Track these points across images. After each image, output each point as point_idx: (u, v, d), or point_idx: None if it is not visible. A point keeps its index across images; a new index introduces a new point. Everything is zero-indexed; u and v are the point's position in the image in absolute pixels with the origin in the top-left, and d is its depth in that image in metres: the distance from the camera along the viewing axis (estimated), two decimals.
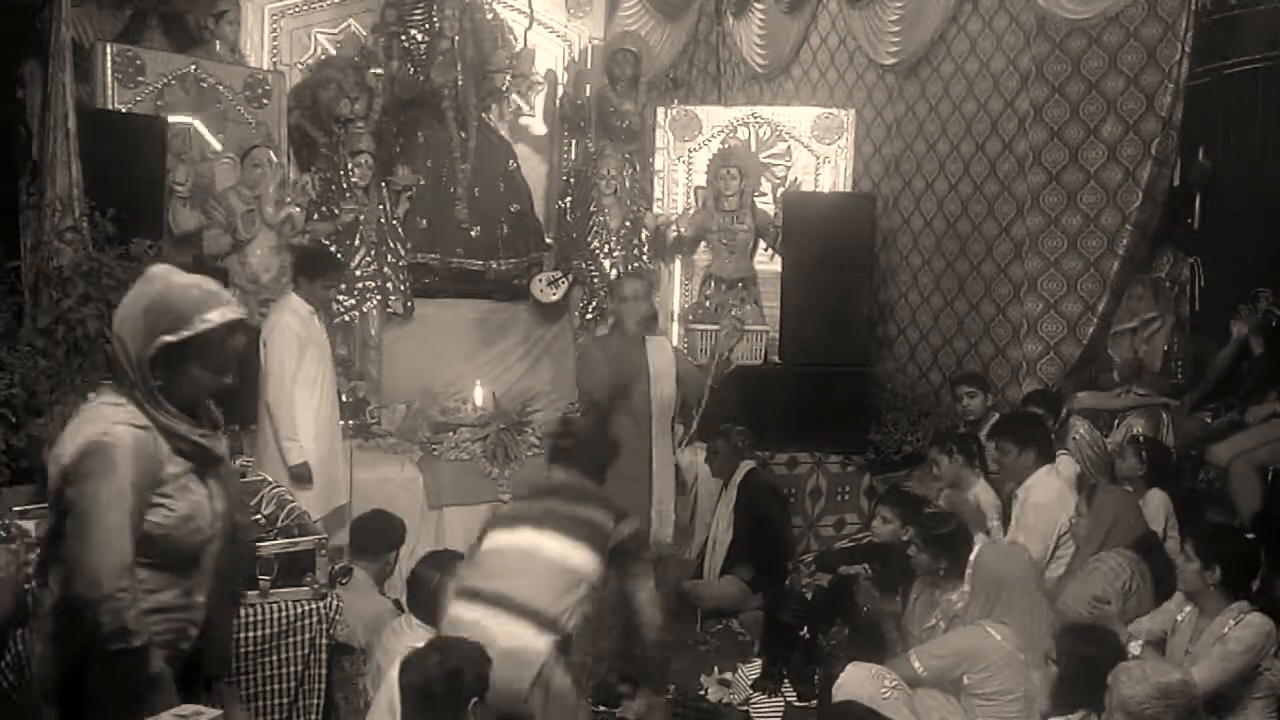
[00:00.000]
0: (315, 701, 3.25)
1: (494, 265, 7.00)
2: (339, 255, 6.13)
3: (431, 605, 3.51)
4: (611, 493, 3.49)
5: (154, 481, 2.26)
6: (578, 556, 3.13)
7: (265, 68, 6.91)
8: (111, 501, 2.18)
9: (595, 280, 7.05)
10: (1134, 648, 3.62)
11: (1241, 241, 5.86)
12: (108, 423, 2.23)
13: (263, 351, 4.93)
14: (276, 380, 4.85)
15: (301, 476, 4.85)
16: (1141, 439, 5.16)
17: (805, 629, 4.39)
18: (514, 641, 2.97)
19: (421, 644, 3.15)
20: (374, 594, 4.12)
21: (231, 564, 2.54)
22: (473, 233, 6.94)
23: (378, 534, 4.24)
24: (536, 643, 2.99)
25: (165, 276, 2.30)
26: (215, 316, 2.25)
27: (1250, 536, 4.05)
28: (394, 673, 3.10)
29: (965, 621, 3.82)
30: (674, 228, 6.98)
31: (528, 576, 3.09)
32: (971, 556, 3.85)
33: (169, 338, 2.23)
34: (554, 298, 7.05)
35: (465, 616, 3.07)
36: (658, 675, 3.33)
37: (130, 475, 2.20)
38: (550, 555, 3.12)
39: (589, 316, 6.99)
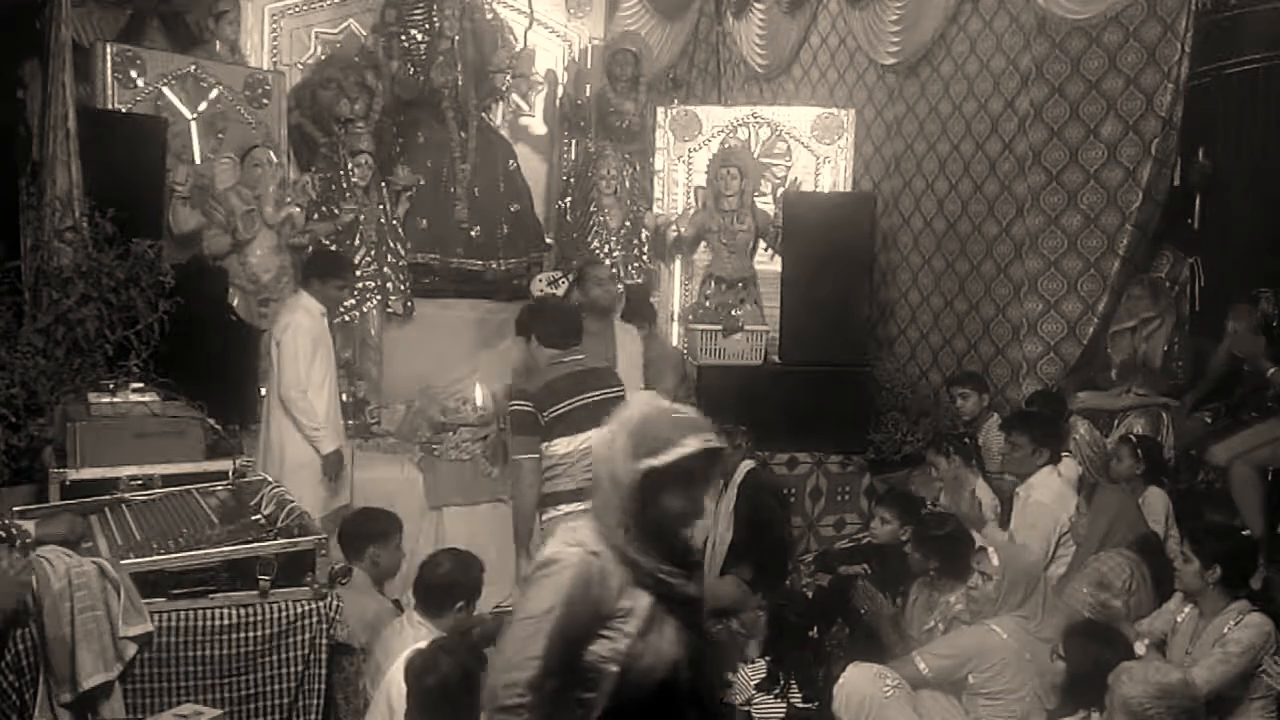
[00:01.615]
0: (315, 701, 3.24)
1: (494, 265, 7.00)
2: (338, 250, 6.12)
3: (442, 599, 3.62)
4: None
5: (599, 611, 2.16)
6: None
7: (265, 68, 6.91)
8: (534, 619, 2.13)
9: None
10: (1139, 648, 3.62)
11: (1241, 241, 5.86)
12: (563, 543, 2.21)
13: (274, 351, 4.94)
14: (292, 377, 4.86)
15: (335, 464, 4.93)
16: (1135, 438, 5.16)
17: (814, 628, 4.39)
18: None
19: (424, 644, 3.16)
20: (373, 593, 4.12)
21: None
22: (473, 233, 6.94)
23: (353, 530, 4.23)
24: None
25: (650, 402, 2.28)
26: (694, 443, 2.18)
27: (1246, 532, 4.05)
28: (393, 671, 3.12)
29: (990, 615, 3.80)
30: (674, 228, 6.97)
31: None
32: (994, 558, 3.83)
33: (651, 461, 2.16)
34: None
35: (582, 507, 3.56)
36: None
37: (563, 599, 2.13)
38: None
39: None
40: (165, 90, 6.15)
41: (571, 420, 4.02)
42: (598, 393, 4.09)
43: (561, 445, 4.02)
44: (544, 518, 4.07)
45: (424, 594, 3.69)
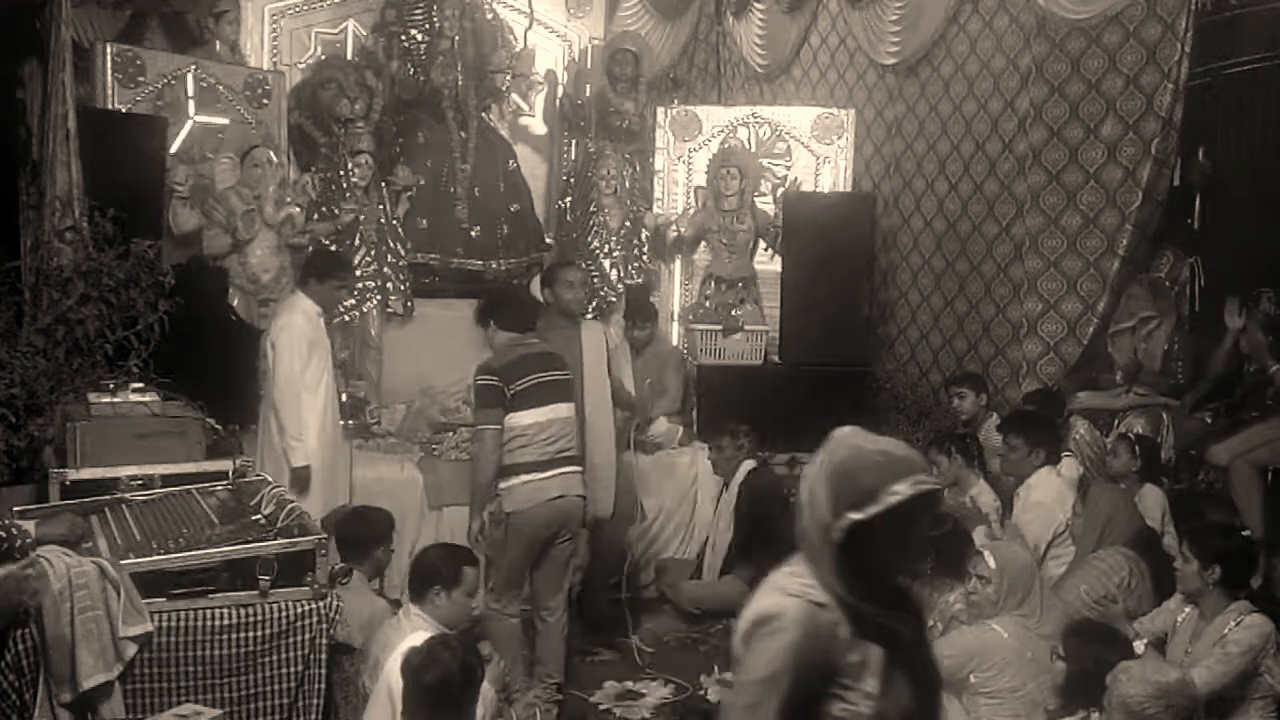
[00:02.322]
0: (315, 701, 3.24)
1: (494, 265, 7.00)
2: (337, 250, 6.12)
3: (421, 583, 3.63)
4: None
5: (828, 667, 1.95)
6: (573, 407, 4.57)
7: (265, 68, 6.91)
8: (761, 681, 1.95)
9: (595, 280, 7.05)
10: (1139, 647, 3.62)
11: (1241, 242, 5.86)
12: (782, 594, 2.00)
13: (270, 352, 4.91)
14: (284, 380, 4.82)
15: (303, 479, 4.81)
16: (1133, 436, 5.16)
17: None
18: (578, 476, 4.48)
19: (423, 638, 3.17)
20: (369, 593, 4.12)
21: None
22: (473, 233, 6.94)
23: (361, 532, 4.24)
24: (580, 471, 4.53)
25: (852, 441, 2.08)
26: (904, 488, 1.95)
27: (1246, 532, 4.04)
28: (391, 666, 3.13)
29: (990, 616, 3.80)
30: (674, 228, 6.98)
31: (566, 436, 4.46)
32: (990, 561, 3.83)
33: (855, 515, 1.94)
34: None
35: (542, 476, 4.34)
36: None
37: (790, 658, 1.93)
38: (567, 416, 4.49)
39: (589, 316, 6.99)
40: (165, 90, 6.14)
41: (533, 395, 4.40)
42: (552, 373, 4.50)
43: (525, 417, 4.37)
44: (502, 485, 4.37)
45: (411, 580, 3.71)
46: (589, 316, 5.88)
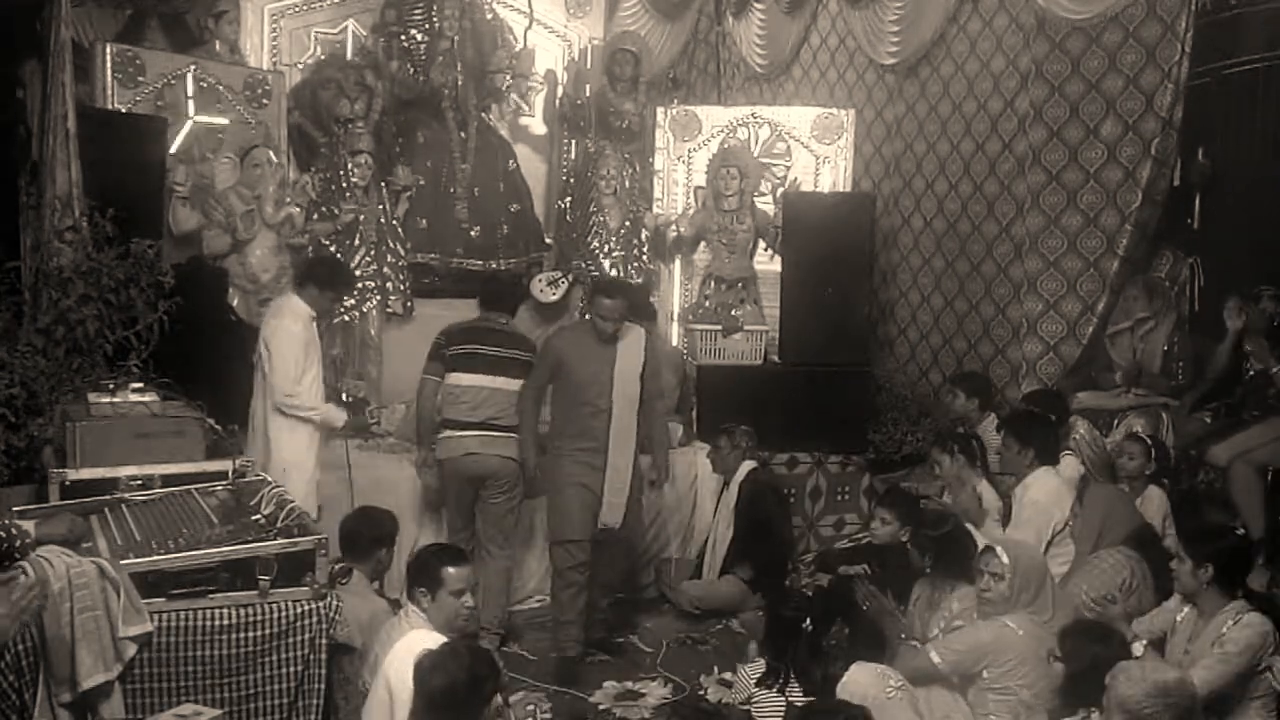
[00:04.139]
0: (315, 701, 3.24)
1: (494, 265, 7.00)
2: (343, 261, 6.09)
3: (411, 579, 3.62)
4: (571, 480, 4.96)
5: None
6: (516, 385, 5.06)
7: (265, 68, 6.90)
8: None
9: (595, 280, 7.05)
10: (1137, 648, 3.62)
11: (1241, 241, 5.86)
12: None
13: (264, 352, 4.88)
14: (283, 383, 4.75)
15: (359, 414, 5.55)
16: (1149, 438, 5.14)
17: (807, 619, 4.37)
18: (502, 439, 5.03)
19: (420, 636, 3.19)
20: (369, 593, 4.11)
21: None
22: (473, 233, 6.95)
23: (364, 532, 4.23)
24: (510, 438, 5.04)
25: None
26: None
27: (1239, 531, 4.04)
28: (389, 666, 3.14)
29: (1003, 613, 3.79)
30: (674, 228, 6.98)
31: (497, 406, 5.05)
32: (1004, 557, 3.81)
33: None
34: (554, 298, 7.05)
35: (463, 434, 5.03)
36: None
37: None
38: (502, 388, 5.06)
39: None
40: (165, 90, 6.14)
41: (469, 361, 5.08)
42: (498, 349, 5.12)
43: (456, 379, 5.09)
44: (437, 437, 5.11)
45: (406, 580, 3.70)
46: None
